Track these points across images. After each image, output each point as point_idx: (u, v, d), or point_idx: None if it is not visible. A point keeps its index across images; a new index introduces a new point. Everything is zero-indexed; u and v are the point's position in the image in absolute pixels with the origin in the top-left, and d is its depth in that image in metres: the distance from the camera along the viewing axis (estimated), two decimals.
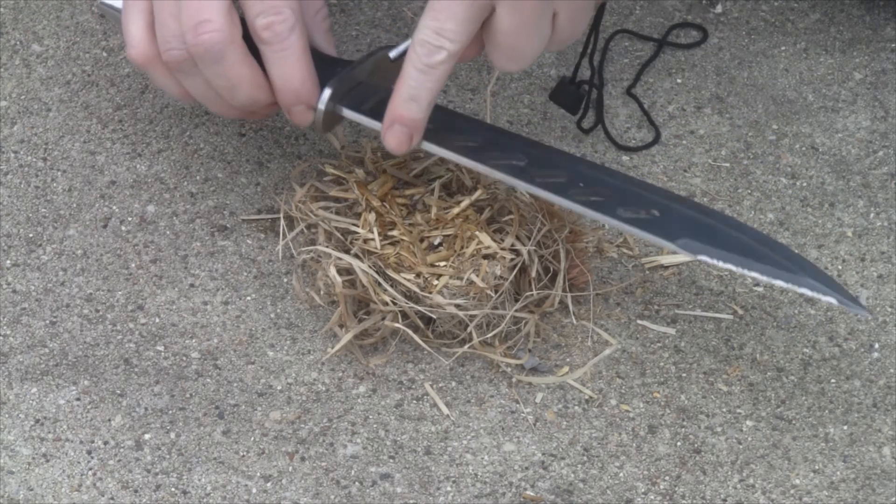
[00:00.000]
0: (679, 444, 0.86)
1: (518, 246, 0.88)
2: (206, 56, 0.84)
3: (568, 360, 0.90)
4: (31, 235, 0.95)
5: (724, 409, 0.88)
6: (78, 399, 0.87)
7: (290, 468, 0.84)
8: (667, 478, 0.85)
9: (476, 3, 0.79)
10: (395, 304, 0.86)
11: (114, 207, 0.96)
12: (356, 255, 0.87)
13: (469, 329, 0.87)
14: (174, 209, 0.96)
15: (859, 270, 0.94)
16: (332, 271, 0.87)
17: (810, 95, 1.04)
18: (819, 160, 1.01)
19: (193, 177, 0.98)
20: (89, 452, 0.84)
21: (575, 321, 0.91)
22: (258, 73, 0.86)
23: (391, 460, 0.85)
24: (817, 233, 0.96)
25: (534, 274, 0.88)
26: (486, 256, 0.87)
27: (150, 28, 0.86)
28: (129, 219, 0.95)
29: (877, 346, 0.91)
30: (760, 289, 0.93)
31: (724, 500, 0.84)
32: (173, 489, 0.83)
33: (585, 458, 0.85)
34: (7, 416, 0.86)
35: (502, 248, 0.87)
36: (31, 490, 0.83)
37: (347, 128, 0.88)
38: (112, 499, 0.83)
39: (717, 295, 0.93)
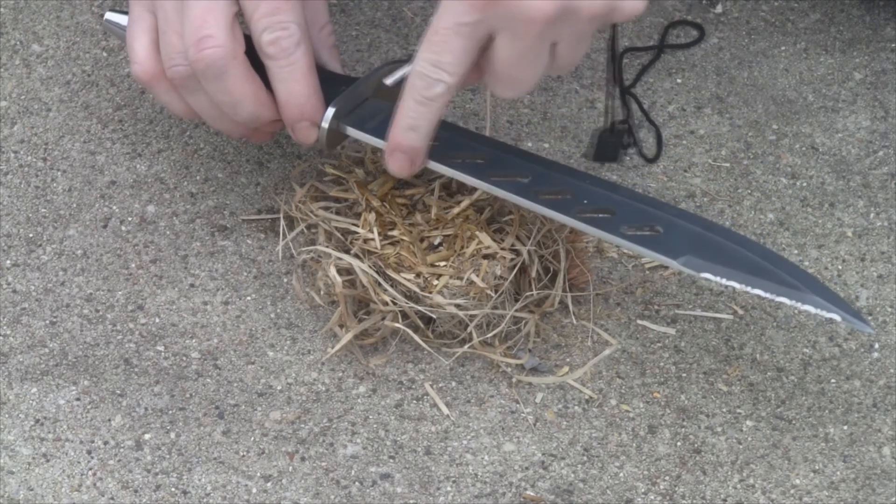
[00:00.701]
0: (679, 444, 0.86)
1: (518, 246, 0.88)
2: (208, 72, 0.84)
3: (568, 360, 0.90)
4: (31, 235, 0.94)
5: (724, 409, 0.88)
6: (78, 399, 0.87)
7: (290, 468, 0.84)
8: (667, 478, 0.85)
9: (473, 35, 0.79)
10: (395, 304, 0.86)
11: (114, 207, 0.96)
12: (356, 255, 0.87)
13: (469, 329, 0.87)
14: (174, 209, 0.96)
15: (859, 270, 0.94)
16: (332, 271, 0.87)
17: (810, 95, 1.04)
18: (819, 160, 1.01)
19: (193, 177, 0.98)
20: (89, 452, 0.84)
21: (575, 321, 0.91)
22: (261, 90, 0.86)
23: (391, 460, 0.85)
24: (817, 233, 0.96)
25: (534, 274, 0.88)
26: (486, 256, 0.87)
27: (154, 45, 0.86)
28: (129, 219, 0.95)
29: (877, 346, 0.91)
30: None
31: (724, 500, 0.84)
32: (173, 489, 0.83)
33: (585, 458, 0.85)
34: (7, 416, 0.86)
35: (502, 248, 0.87)
36: (31, 490, 0.83)
37: (349, 140, 0.88)
38: (112, 499, 0.83)
39: (717, 295, 0.93)
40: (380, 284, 0.86)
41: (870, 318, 0.92)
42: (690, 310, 0.92)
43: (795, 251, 0.95)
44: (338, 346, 0.88)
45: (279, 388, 0.88)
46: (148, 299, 0.92)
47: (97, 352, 0.89)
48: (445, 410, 0.87)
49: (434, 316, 0.86)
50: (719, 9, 1.10)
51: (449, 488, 0.84)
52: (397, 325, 0.87)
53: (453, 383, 0.89)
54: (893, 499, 0.84)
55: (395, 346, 0.90)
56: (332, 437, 0.86)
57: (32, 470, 0.84)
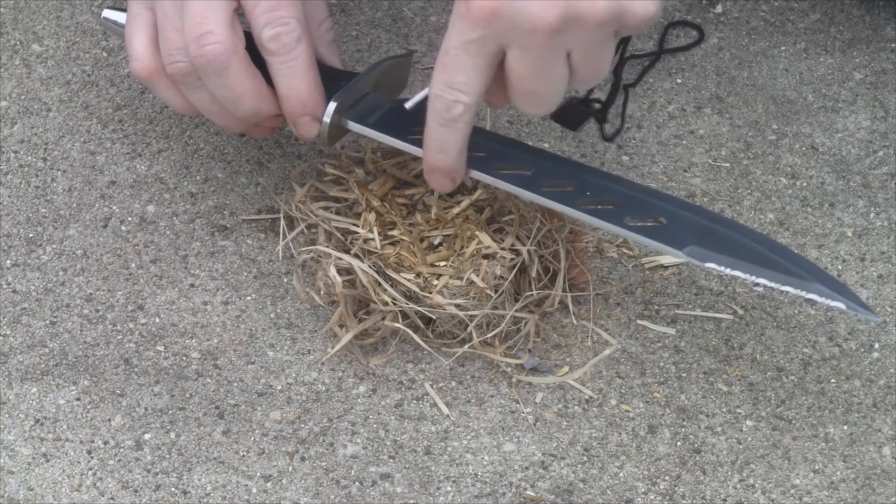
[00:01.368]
0: (679, 444, 0.86)
1: (518, 246, 0.88)
2: (209, 68, 0.84)
3: (568, 360, 0.90)
4: (31, 235, 0.94)
5: (724, 409, 0.88)
6: (78, 399, 0.87)
7: (290, 468, 0.84)
8: (667, 478, 0.85)
9: (482, 52, 0.78)
10: (395, 304, 0.86)
11: (114, 207, 0.96)
12: (356, 255, 0.87)
13: (469, 329, 0.87)
14: (174, 209, 0.96)
15: (859, 270, 0.94)
16: (332, 271, 0.87)
17: (810, 95, 1.04)
18: (819, 160, 1.01)
19: (193, 177, 0.98)
20: (89, 452, 0.84)
21: (575, 321, 0.91)
22: (262, 85, 0.86)
23: (391, 460, 0.85)
24: (817, 233, 0.96)
25: (534, 274, 0.88)
26: (486, 256, 0.87)
27: (153, 42, 0.87)
28: (129, 219, 0.95)
29: (877, 346, 0.91)
30: (760, 289, 0.93)
31: (724, 500, 0.84)
32: (173, 489, 0.83)
33: (585, 458, 0.85)
34: (7, 416, 0.86)
35: (502, 248, 0.87)
36: (31, 490, 0.83)
37: (349, 134, 0.88)
38: (112, 499, 0.83)
39: (717, 295, 0.93)
40: (380, 284, 0.86)
41: (870, 322, 0.92)
42: (690, 310, 0.92)
43: (795, 251, 0.95)
44: (338, 346, 0.88)
45: (279, 388, 0.88)
46: (148, 299, 0.92)
47: (97, 352, 0.89)
48: (445, 410, 0.87)
49: (434, 316, 0.86)
50: (719, 9, 1.10)
51: (449, 488, 0.84)
52: (397, 325, 0.87)
53: (453, 383, 0.89)
54: (893, 499, 0.84)
55: (395, 346, 0.90)
56: (332, 437, 0.86)
57: (32, 470, 0.84)
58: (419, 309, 0.86)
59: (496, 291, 0.86)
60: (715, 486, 0.84)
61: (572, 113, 0.97)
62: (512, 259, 0.87)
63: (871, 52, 1.07)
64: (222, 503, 0.83)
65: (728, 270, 0.81)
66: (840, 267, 0.94)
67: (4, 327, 0.90)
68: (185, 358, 0.89)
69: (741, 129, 1.02)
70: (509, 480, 0.84)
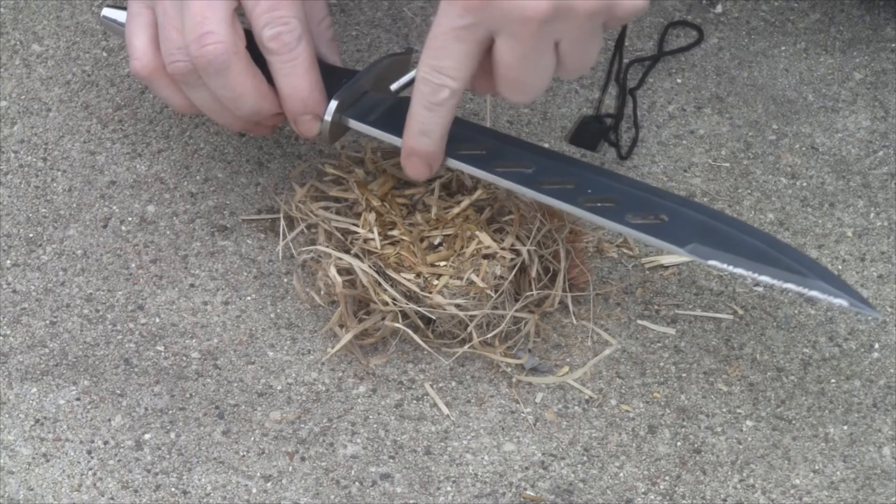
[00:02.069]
0: (679, 444, 0.86)
1: (518, 246, 0.88)
2: (210, 67, 0.84)
3: (568, 360, 0.90)
4: (31, 235, 0.95)
5: (724, 409, 0.88)
6: (78, 399, 0.87)
7: (290, 468, 0.84)
8: (667, 478, 0.85)
9: (471, 38, 0.78)
10: (395, 304, 0.86)
11: (114, 207, 0.96)
12: (356, 255, 0.87)
13: (469, 329, 0.87)
14: (174, 209, 0.96)
15: (859, 270, 0.94)
16: (333, 271, 0.87)
17: (810, 95, 1.04)
18: (819, 160, 1.01)
19: (193, 177, 0.98)
20: (89, 452, 0.84)
21: (575, 321, 0.91)
22: (262, 84, 0.86)
23: (391, 460, 0.85)
24: (817, 233, 0.96)
25: (534, 274, 0.88)
26: (486, 256, 0.87)
27: (153, 41, 0.87)
28: (129, 219, 0.95)
29: (877, 346, 0.91)
30: (760, 289, 0.93)
31: (724, 500, 0.84)
32: (173, 489, 0.83)
33: (585, 458, 0.85)
34: (7, 416, 0.86)
35: (502, 248, 0.87)
36: (31, 490, 0.83)
37: (349, 134, 0.88)
38: (112, 499, 0.83)
39: (717, 295, 0.93)
40: (380, 284, 0.86)
41: (870, 317, 0.92)
42: (690, 310, 0.92)
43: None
44: (338, 346, 0.88)
45: (279, 388, 0.88)
46: (148, 299, 0.92)
47: (97, 352, 0.89)
48: (445, 410, 0.87)
49: (434, 316, 0.86)
50: (719, 9, 1.10)
51: (449, 488, 0.84)
52: (397, 325, 0.87)
53: (453, 383, 0.89)
54: (893, 499, 0.84)
55: (395, 346, 0.90)
56: (332, 437, 0.86)
57: (32, 470, 0.84)
58: (419, 309, 0.86)
59: (496, 291, 0.86)
60: (715, 486, 0.84)
61: (587, 132, 0.98)
62: (512, 259, 0.87)
63: (871, 52, 1.07)
64: (222, 503, 0.83)
65: (731, 268, 0.81)
66: (840, 267, 0.94)
67: (4, 327, 0.90)
68: (185, 358, 0.89)
69: (741, 129, 1.02)
70: (509, 480, 0.84)
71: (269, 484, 0.83)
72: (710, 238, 0.82)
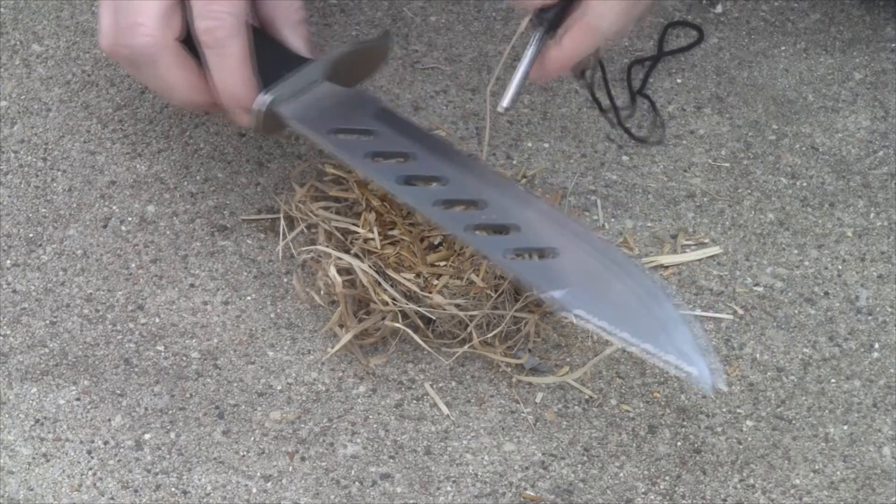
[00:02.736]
0: (679, 444, 0.86)
1: None
2: (140, 58, 0.85)
3: (568, 360, 0.90)
4: (31, 235, 0.95)
5: (724, 409, 0.88)
6: (78, 399, 0.87)
7: (290, 468, 0.84)
8: (667, 478, 0.85)
9: None
10: (395, 304, 0.86)
11: (114, 207, 0.96)
12: (356, 255, 0.87)
13: (469, 329, 0.87)
14: (174, 209, 0.96)
15: (859, 270, 0.94)
16: (332, 271, 0.87)
17: (810, 95, 1.04)
18: (819, 160, 1.01)
19: (193, 177, 0.98)
20: (89, 452, 0.84)
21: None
22: (194, 76, 0.87)
23: (391, 460, 0.85)
24: (817, 233, 0.96)
25: None
26: (486, 256, 0.87)
27: (116, 20, 0.88)
28: (129, 219, 0.95)
29: (877, 346, 0.91)
30: (760, 289, 0.93)
31: (724, 500, 0.84)
32: (173, 489, 0.83)
33: (585, 458, 0.85)
34: (7, 416, 0.86)
35: None
36: (31, 490, 0.83)
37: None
38: (112, 499, 0.83)
39: (717, 295, 0.93)
40: (380, 284, 0.86)
41: (870, 317, 0.92)
42: (690, 310, 0.92)
43: (795, 251, 0.95)
44: (338, 346, 0.88)
45: (279, 388, 0.88)
46: (148, 299, 0.92)
47: (97, 352, 0.89)
48: (445, 410, 0.87)
49: (434, 316, 0.86)
50: (719, 9, 1.10)
51: (449, 488, 0.84)
52: (397, 325, 0.87)
53: (453, 383, 0.89)
54: (893, 499, 0.84)
55: (395, 346, 0.90)
56: (332, 437, 0.86)
57: (32, 470, 0.84)
58: (419, 309, 0.86)
59: (496, 291, 0.86)
60: (715, 486, 0.84)
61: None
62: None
63: (871, 52, 1.07)
64: (222, 503, 0.83)
65: (595, 321, 0.78)
66: (840, 267, 0.94)
67: (4, 327, 0.90)
68: (185, 358, 0.89)
69: (741, 129, 1.02)
70: (509, 480, 0.84)
71: (269, 484, 0.83)
72: (588, 284, 0.79)
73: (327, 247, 0.89)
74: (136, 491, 0.83)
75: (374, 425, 0.86)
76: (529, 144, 1.00)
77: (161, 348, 0.89)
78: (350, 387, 0.88)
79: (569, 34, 0.84)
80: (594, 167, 0.99)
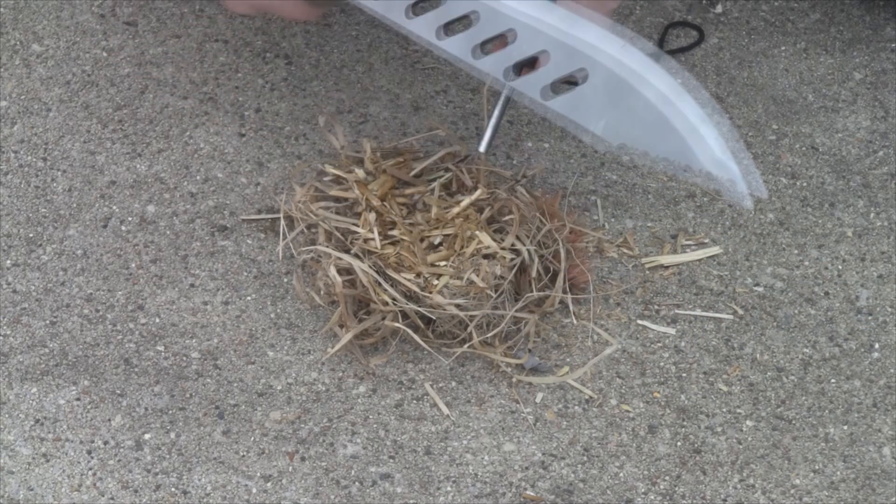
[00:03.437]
0: (679, 444, 0.86)
1: (518, 245, 0.88)
2: None
3: (568, 360, 0.90)
4: (31, 235, 0.95)
5: (724, 409, 0.88)
6: (78, 399, 0.87)
7: (290, 468, 0.84)
8: (667, 478, 0.85)
9: None
10: (395, 304, 0.86)
11: (114, 207, 0.96)
12: (356, 255, 0.87)
13: (469, 329, 0.87)
14: (174, 209, 0.96)
15: (859, 270, 0.94)
16: (333, 271, 0.87)
17: (810, 95, 1.04)
18: (819, 160, 1.01)
19: (193, 177, 0.98)
20: (89, 452, 0.84)
21: (575, 321, 0.91)
22: None
23: (391, 460, 0.85)
24: (817, 233, 0.96)
25: (534, 274, 0.88)
26: (486, 256, 0.87)
27: None
28: (129, 219, 0.95)
29: (877, 346, 0.91)
30: (760, 289, 0.93)
31: (724, 500, 0.84)
32: (173, 489, 0.83)
33: (585, 458, 0.85)
34: (7, 416, 0.86)
35: (502, 248, 0.87)
36: (31, 490, 0.83)
37: (347, 128, 0.88)
38: (112, 499, 0.83)
39: (717, 295, 0.93)
40: (380, 284, 0.86)
41: (870, 317, 0.92)
42: (690, 310, 0.92)
43: (795, 251, 0.95)
44: (338, 346, 0.88)
45: (279, 388, 0.88)
46: (148, 299, 0.92)
47: (97, 352, 0.89)
48: (445, 410, 0.87)
49: (434, 316, 0.86)
50: (719, 9, 1.10)
51: (449, 488, 0.84)
52: (397, 325, 0.87)
53: (453, 383, 0.89)
54: (893, 499, 0.84)
55: (395, 346, 0.90)
56: (332, 437, 0.86)
57: (32, 470, 0.84)
58: (419, 309, 0.86)
59: (496, 291, 0.86)
60: (715, 486, 0.84)
61: None
62: (512, 259, 0.87)
63: (871, 52, 1.07)
64: (222, 503, 0.83)
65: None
66: (840, 267, 0.95)
67: (4, 327, 0.90)
68: (185, 358, 0.89)
69: (741, 129, 1.02)
70: (509, 480, 0.84)
71: (269, 484, 0.83)
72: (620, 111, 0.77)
73: (327, 247, 0.89)
74: (136, 491, 0.83)
75: (374, 425, 0.86)
76: (529, 144, 1.00)
77: (161, 348, 0.89)
78: (350, 387, 0.88)
79: None
80: (594, 167, 0.99)
